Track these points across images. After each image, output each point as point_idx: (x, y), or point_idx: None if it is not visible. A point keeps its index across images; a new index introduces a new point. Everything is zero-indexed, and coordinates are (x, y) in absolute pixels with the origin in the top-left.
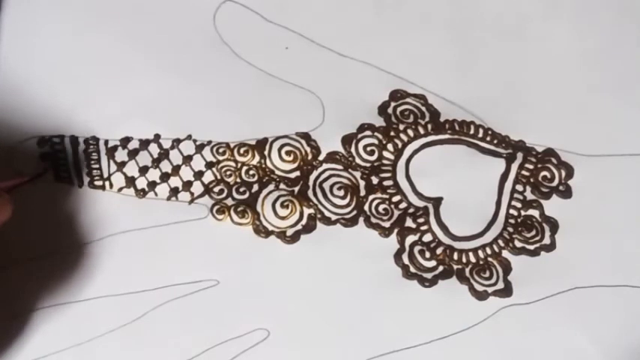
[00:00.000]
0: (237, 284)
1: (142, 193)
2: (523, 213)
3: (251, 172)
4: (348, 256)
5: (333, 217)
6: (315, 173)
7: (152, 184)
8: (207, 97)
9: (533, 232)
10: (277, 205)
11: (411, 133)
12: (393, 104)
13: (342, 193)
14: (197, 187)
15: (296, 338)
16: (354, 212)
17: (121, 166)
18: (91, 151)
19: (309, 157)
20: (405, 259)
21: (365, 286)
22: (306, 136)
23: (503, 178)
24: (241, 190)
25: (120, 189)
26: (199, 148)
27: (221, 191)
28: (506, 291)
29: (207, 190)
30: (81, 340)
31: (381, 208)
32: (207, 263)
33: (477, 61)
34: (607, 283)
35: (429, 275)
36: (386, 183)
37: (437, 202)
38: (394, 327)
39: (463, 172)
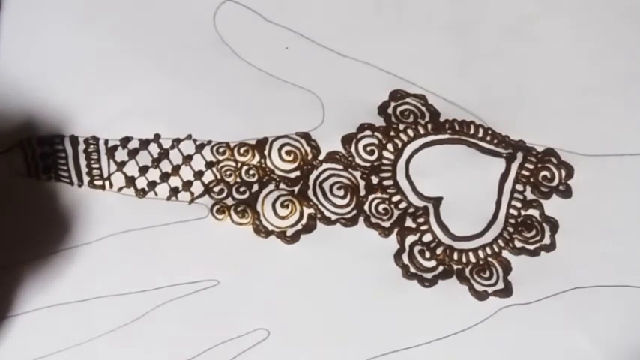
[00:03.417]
0: (237, 284)
1: (142, 193)
2: (523, 213)
3: (251, 172)
4: (348, 256)
5: (333, 217)
6: (315, 173)
7: (152, 184)
8: (207, 97)
9: (533, 232)
10: (277, 205)
11: (411, 133)
12: (393, 104)
13: (342, 193)
14: (197, 187)
15: (296, 338)
16: (354, 212)
17: (121, 166)
18: (91, 151)
19: (309, 157)
20: (405, 259)
21: (365, 286)
22: (306, 136)
23: (503, 178)
24: (241, 190)
25: (120, 189)
26: (199, 148)
27: (221, 191)
28: (506, 291)
29: (207, 190)
30: (81, 340)
31: (381, 208)
32: (207, 263)
33: (477, 61)
34: (607, 283)
35: (429, 275)
36: (386, 183)
37: (437, 202)
38: (394, 327)
39: (463, 172)
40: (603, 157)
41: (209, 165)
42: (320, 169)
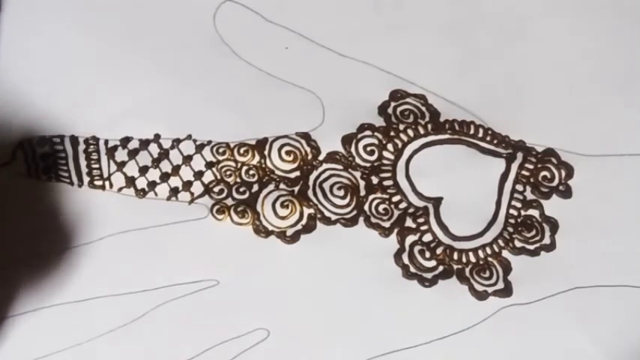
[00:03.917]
0: (237, 284)
1: (142, 193)
2: (523, 213)
3: (251, 172)
4: (348, 256)
5: (333, 217)
6: (315, 173)
7: (152, 184)
8: (207, 97)
9: (533, 232)
10: (277, 205)
11: (411, 133)
12: (393, 104)
13: (342, 193)
14: (197, 187)
15: (296, 338)
16: (354, 212)
17: (121, 166)
18: (91, 151)
19: (309, 157)
20: (405, 259)
21: (365, 286)
22: (306, 136)
23: (503, 178)
24: (241, 190)
25: (120, 189)
26: (199, 148)
27: (221, 191)
28: (506, 291)
29: (207, 190)
30: (81, 340)
31: (381, 208)
32: (207, 263)
33: (477, 60)
34: (607, 283)
35: (429, 275)
36: (386, 183)
37: (437, 202)
38: (394, 327)
39: (463, 172)
40: (603, 157)
41: (209, 165)
42: (320, 169)
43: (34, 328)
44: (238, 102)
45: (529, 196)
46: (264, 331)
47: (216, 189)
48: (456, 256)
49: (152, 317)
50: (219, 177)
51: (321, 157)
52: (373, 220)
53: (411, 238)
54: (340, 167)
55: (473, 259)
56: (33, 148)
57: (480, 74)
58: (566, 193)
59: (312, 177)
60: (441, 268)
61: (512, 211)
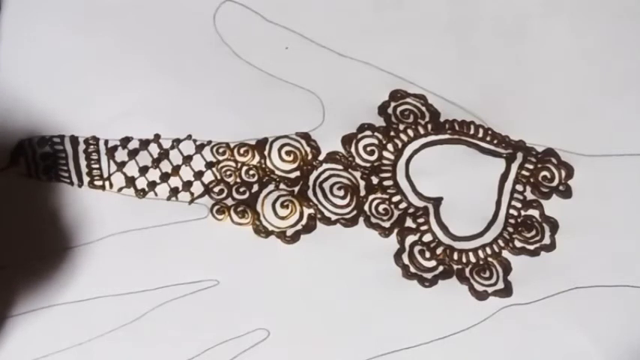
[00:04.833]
0: (237, 284)
1: (142, 193)
2: (523, 213)
3: (251, 172)
4: (348, 256)
5: (333, 217)
6: (315, 173)
7: (152, 184)
8: (207, 97)
9: (533, 232)
10: (277, 205)
11: (411, 133)
12: (393, 104)
13: (342, 193)
14: (197, 187)
15: (296, 338)
16: (354, 212)
17: (121, 166)
18: (91, 151)
19: (309, 157)
20: (405, 259)
21: (365, 286)
22: (306, 136)
23: (503, 178)
24: (241, 190)
25: (120, 189)
26: (199, 148)
27: (221, 191)
28: (506, 291)
29: (207, 190)
30: (81, 340)
31: (381, 208)
32: (207, 263)
33: (477, 60)
34: (607, 283)
35: (429, 275)
36: (386, 183)
37: (437, 202)
38: (394, 327)
39: (463, 172)
40: (603, 157)
41: (209, 165)
42: (320, 169)
43: (34, 328)
44: (238, 102)
45: (529, 196)
46: (264, 331)
47: (216, 189)
48: (456, 256)
49: (152, 317)
50: (219, 177)
51: (321, 157)
52: (373, 220)
53: (411, 238)
54: (340, 167)
55: (473, 259)
56: (33, 148)
57: (480, 74)
58: (566, 193)
59: (312, 177)
60: (441, 268)
61: (512, 211)
